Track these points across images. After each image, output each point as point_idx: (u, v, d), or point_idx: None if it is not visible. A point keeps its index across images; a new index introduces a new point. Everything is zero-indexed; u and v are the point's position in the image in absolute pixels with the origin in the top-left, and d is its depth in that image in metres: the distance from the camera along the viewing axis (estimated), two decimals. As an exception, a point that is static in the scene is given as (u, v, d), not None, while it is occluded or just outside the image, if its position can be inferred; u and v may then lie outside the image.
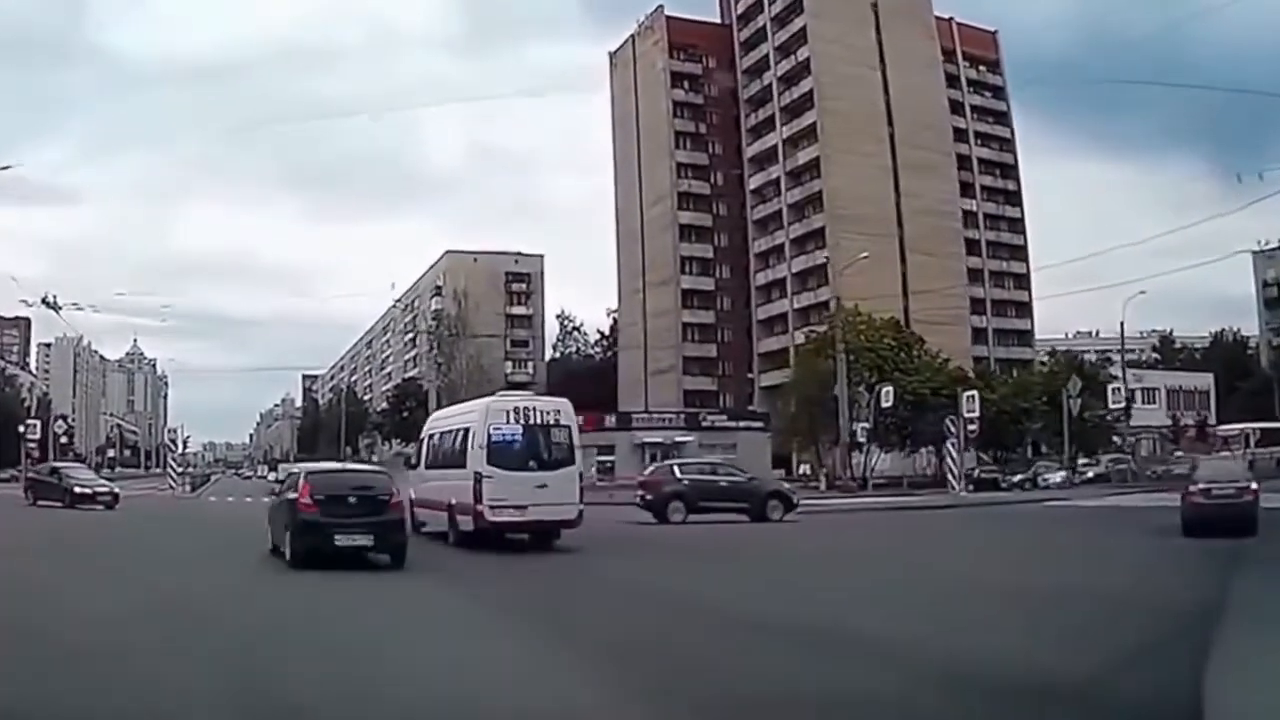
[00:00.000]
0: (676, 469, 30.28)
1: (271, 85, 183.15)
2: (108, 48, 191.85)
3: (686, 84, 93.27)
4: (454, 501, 20.09)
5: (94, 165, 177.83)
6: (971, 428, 42.62)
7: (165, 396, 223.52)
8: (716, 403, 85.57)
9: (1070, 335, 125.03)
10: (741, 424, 67.96)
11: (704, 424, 67.22)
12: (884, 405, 53.43)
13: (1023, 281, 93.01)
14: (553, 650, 10.03)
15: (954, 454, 42.44)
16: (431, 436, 23.51)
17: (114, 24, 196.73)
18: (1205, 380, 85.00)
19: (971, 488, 49.80)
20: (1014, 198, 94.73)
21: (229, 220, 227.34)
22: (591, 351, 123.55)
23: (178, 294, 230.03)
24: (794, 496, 31.34)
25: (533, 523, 19.39)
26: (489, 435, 19.39)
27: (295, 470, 21.42)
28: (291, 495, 16.77)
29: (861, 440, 55.17)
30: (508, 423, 19.63)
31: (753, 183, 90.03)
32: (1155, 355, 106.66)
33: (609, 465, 64.70)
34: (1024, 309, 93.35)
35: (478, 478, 19.08)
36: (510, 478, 19.11)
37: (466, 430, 20.31)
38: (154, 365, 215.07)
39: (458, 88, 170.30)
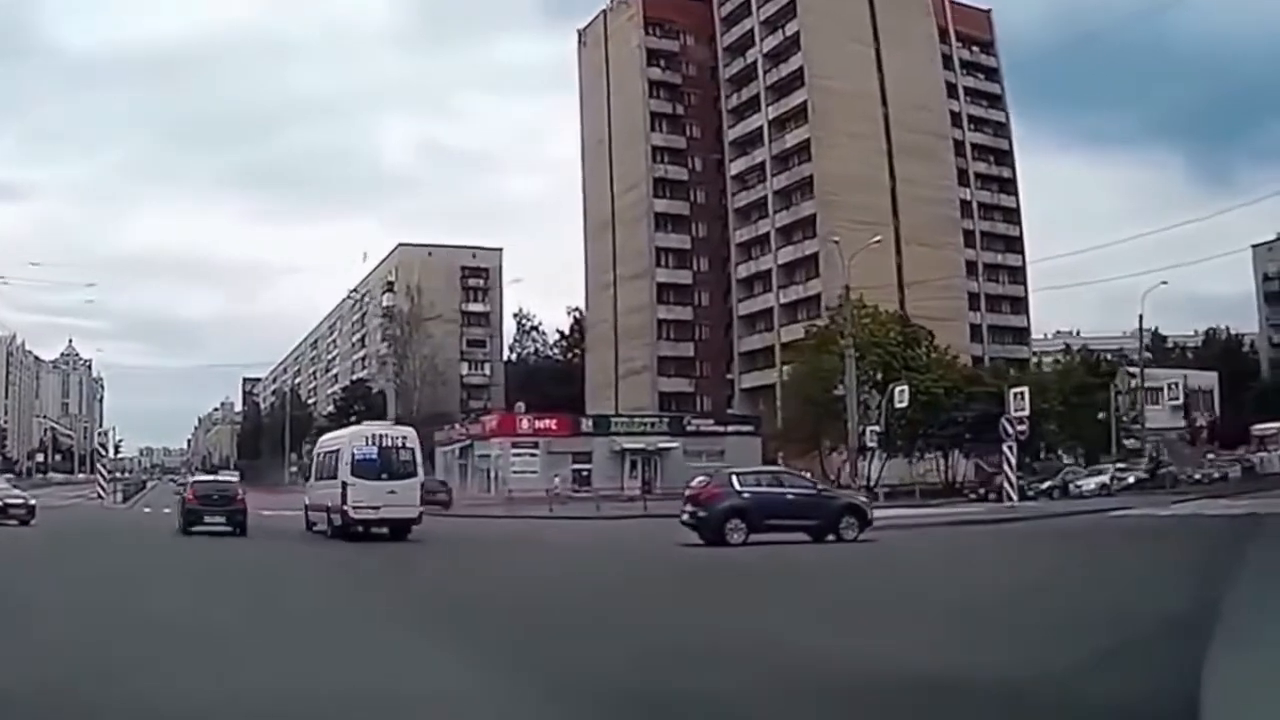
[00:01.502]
0: (736, 480, 24.09)
1: (220, 82, 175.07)
2: (53, 42, 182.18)
3: (663, 62, 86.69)
4: (330, 504, 25.73)
5: (35, 161, 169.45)
6: (1022, 428, 36.43)
7: (101, 399, 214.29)
8: (694, 405, 79.11)
9: (1049, 335, 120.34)
10: (729, 428, 61.61)
11: (689, 428, 60.84)
12: (899, 406, 47.17)
13: (1018, 275, 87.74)
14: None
15: (1011, 459, 36.19)
16: (318, 456, 30.09)
17: (60, 18, 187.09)
18: (1209, 379, 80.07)
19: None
20: (1009, 186, 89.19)
21: (174, 219, 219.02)
22: (550, 352, 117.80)
23: (118, 294, 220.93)
24: (870, 511, 25.38)
25: (384, 519, 24.97)
26: (353, 454, 25.48)
27: (190, 479, 37.33)
28: (185, 494, 30.49)
29: (872, 445, 48.77)
30: (367, 445, 25.79)
31: (734, 168, 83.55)
32: (1148, 355, 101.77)
33: (585, 474, 58.05)
34: (1019, 304, 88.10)
35: (344, 485, 24.92)
36: (367, 486, 24.77)
37: (338, 451, 26.55)
38: (89, 366, 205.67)
39: (412, 84, 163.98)
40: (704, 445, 59.35)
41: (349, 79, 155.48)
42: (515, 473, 56.13)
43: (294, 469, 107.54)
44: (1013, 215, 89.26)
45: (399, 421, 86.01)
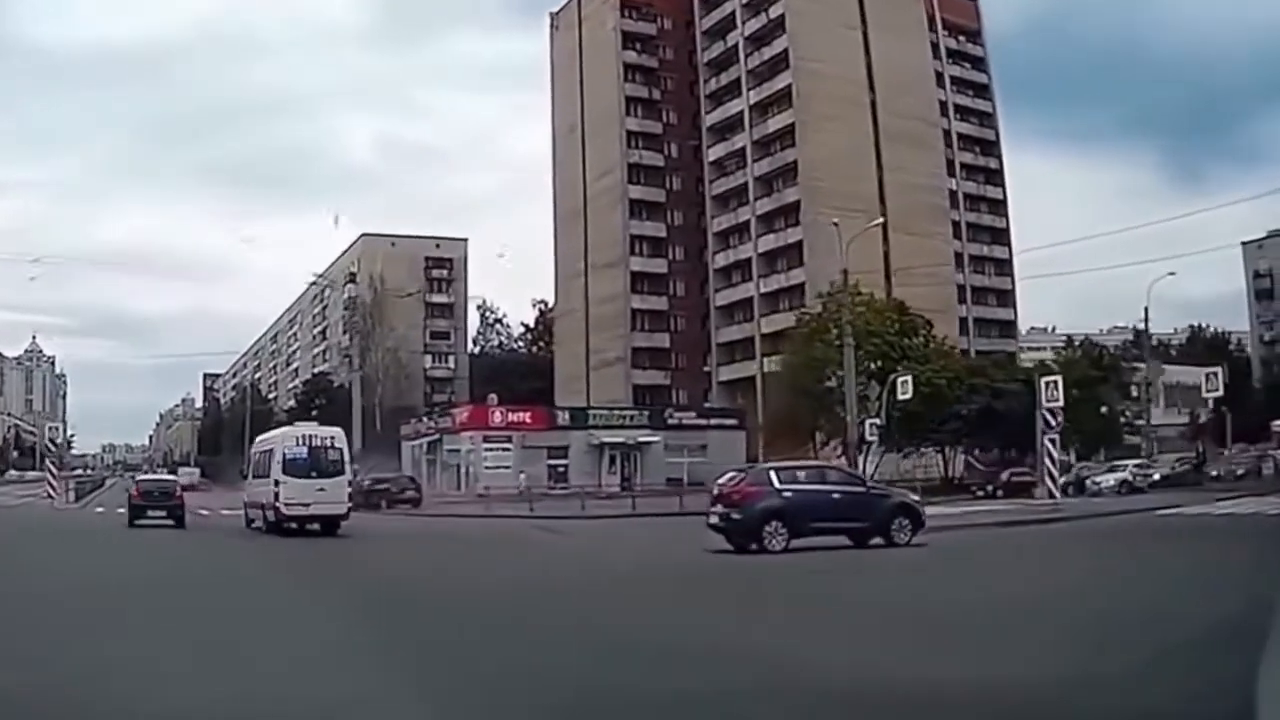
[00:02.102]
0: (775, 475, 20.64)
1: (184, 79, 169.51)
2: (20, 40, 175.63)
3: (639, 45, 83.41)
4: (264, 501, 26.64)
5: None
6: (1059, 421, 33.50)
7: (64, 396, 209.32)
8: (669, 398, 75.91)
9: (1025, 331, 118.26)
10: (713, 422, 58.46)
11: (670, 422, 57.67)
12: (902, 397, 44.25)
13: (1004, 267, 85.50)
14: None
15: (1052, 453, 33.17)
16: (255, 455, 30.70)
17: (28, 16, 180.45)
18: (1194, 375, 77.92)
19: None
20: (995, 177, 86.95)
21: (139, 216, 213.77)
22: (515, 345, 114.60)
23: (83, 291, 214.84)
24: (923, 512, 21.82)
25: (314, 515, 25.72)
26: (284, 454, 26.33)
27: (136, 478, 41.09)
28: (131, 491, 32.85)
29: (871, 439, 45.69)
30: (297, 445, 26.75)
31: (712, 154, 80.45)
32: (1134, 351, 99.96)
33: (562, 470, 54.69)
34: (1006, 297, 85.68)
35: (276, 483, 25.78)
36: (298, 484, 25.63)
37: (271, 450, 27.22)
38: (53, 363, 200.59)
39: (375, 80, 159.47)
40: (686, 439, 56.32)
41: (313, 76, 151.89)
42: (488, 468, 52.66)
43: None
44: (999, 207, 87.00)
45: (363, 415, 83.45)
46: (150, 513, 29.93)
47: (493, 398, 58.06)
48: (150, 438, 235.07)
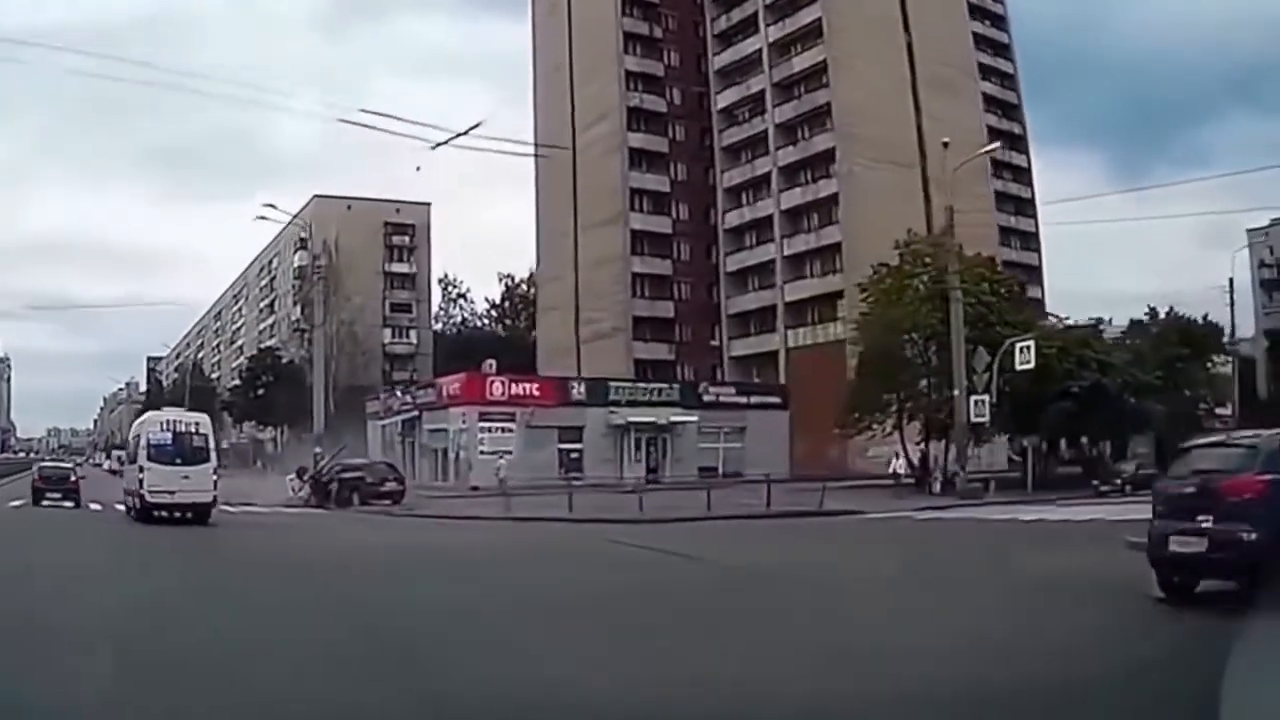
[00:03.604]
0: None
1: (125, 62, 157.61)
2: None
3: (636, -26, 73.73)
4: (132, 488, 26.41)
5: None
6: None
7: (8, 380, 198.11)
8: (674, 376, 66.32)
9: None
10: (753, 400, 48.79)
11: (705, 399, 47.95)
12: (1021, 367, 35.36)
13: (1031, 241, 77.02)
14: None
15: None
16: (130, 441, 31.94)
17: None
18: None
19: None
20: (1019, 143, 78.13)
21: (79, 200, 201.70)
22: (480, 323, 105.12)
23: (24, 276, 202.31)
24: None
25: (178, 504, 24.85)
26: (149, 440, 25.76)
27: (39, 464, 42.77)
28: (35, 476, 37.09)
29: (981, 419, 36.42)
30: (162, 431, 26.06)
31: (721, 100, 70.97)
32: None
33: (575, 456, 44.86)
34: (1034, 273, 76.95)
35: (141, 470, 25.30)
36: (162, 471, 24.99)
37: (139, 437, 26.88)
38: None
39: (321, 65, 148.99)
40: (723, 420, 46.81)
41: (258, 59, 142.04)
42: (484, 454, 42.62)
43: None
44: (1023, 175, 78.48)
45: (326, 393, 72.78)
46: (50, 495, 34.04)
47: (490, 363, 48.02)
48: (95, 422, 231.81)
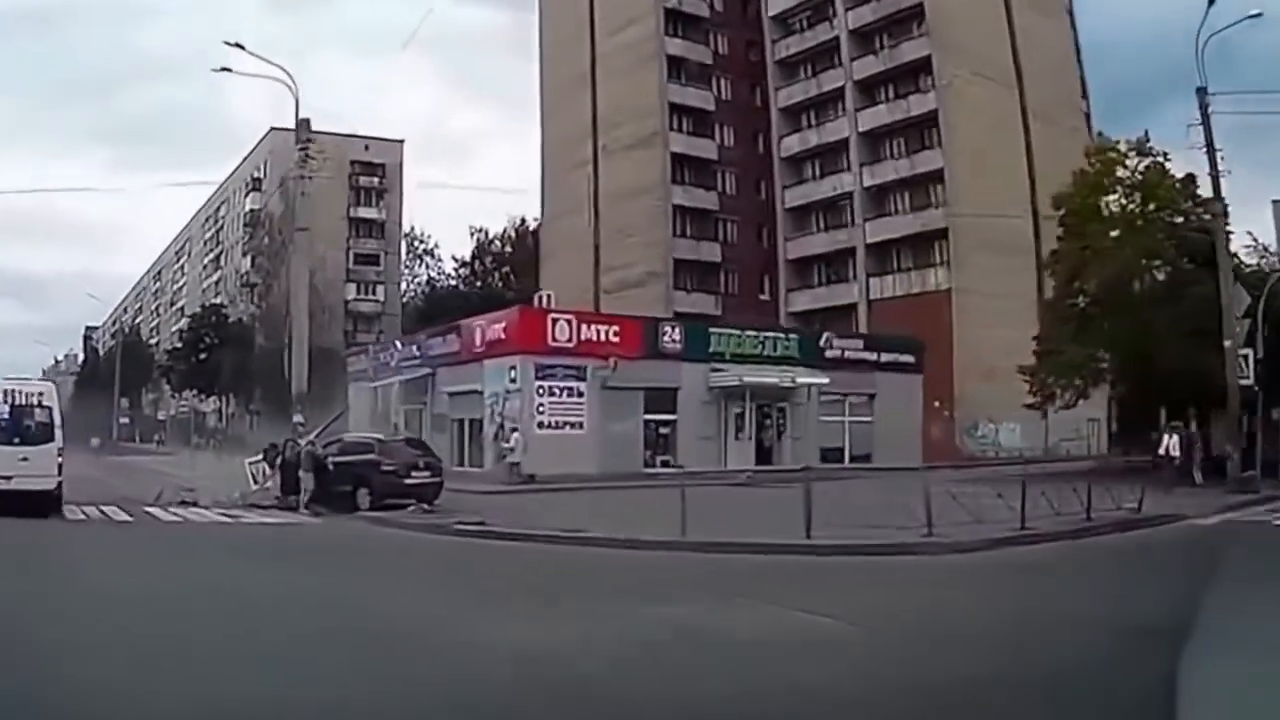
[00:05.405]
0: None
1: (70, 38, 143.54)
2: None
3: None
4: None
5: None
6: None
7: None
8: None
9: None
10: (883, 358, 36.74)
11: (829, 355, 35.73)
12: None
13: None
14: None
15: None
16: None
17: None
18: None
19: None
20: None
21: (24, 174, 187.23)
22: (449, 283, 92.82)
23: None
24: None
25: (16, 491, 20.44)
26: None
27: None
28: None
29: (1245, 381, 25.62)
30: None
31: (774, 5, 58.72)
32: None
33: (664, 432, 32.41)
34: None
35: None
36: None
37: None
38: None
39: (269, 41, 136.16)
40: (847, 385, 34.82)
41: (205, 34, 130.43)
42: (543, 427, 30.43)
43: (125, 420, 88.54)
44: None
45: (271, 356, 60.14)
46: None
47: (548, 295, 35.37)
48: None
